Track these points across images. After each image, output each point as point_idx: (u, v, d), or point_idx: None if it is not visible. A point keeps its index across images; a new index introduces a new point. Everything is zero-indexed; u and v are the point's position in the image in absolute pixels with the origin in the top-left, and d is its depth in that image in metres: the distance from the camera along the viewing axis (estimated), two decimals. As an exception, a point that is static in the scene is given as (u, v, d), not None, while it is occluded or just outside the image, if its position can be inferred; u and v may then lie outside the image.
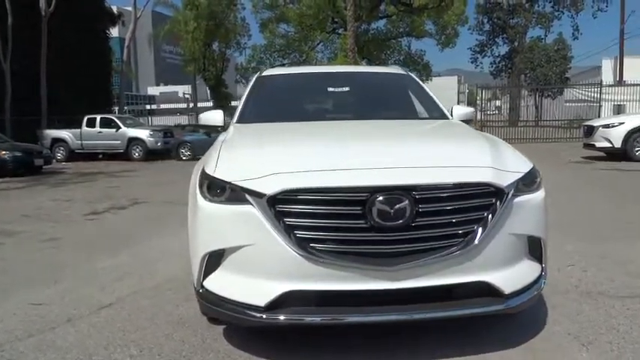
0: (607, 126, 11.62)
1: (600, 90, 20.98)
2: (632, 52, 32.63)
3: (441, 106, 3.71)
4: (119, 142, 18.32)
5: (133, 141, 18.20)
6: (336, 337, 2.62)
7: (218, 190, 2.31)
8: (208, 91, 51.39)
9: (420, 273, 2.17)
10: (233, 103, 32.17)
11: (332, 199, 2.11)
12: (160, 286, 3.63)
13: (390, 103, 3.88)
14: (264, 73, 4.03)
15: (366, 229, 2.11)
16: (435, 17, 29.54)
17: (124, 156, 18.02)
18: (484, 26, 29.93)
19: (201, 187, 2.39)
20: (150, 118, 34.02)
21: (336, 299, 2.19)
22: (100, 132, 18.48)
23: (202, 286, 2.39)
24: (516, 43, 28.50)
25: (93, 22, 24.22)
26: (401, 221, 2.09)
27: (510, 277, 2.29)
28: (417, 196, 2.10)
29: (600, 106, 21.50)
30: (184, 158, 17.50)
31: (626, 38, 30.65)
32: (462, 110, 3.70)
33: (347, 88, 3.91)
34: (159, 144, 18.28)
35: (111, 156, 18.41)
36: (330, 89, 3.89)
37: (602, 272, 3.61)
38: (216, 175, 2.31)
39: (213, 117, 3.70)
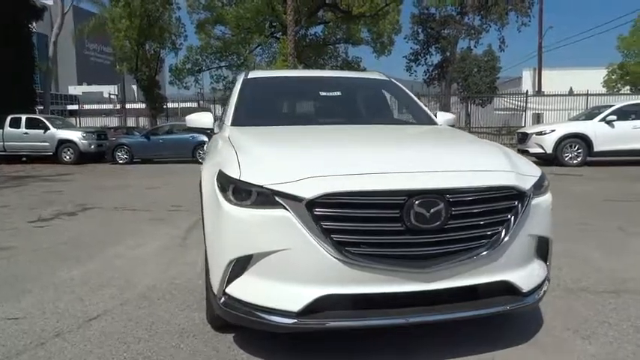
0: (540, 133, 12.47)
1: (526, 99, 22.46)
2: (549, 64, 35.28)
3: (428, 111, 3.82)
4: (47, 144, 17.18)
5: (64, 143, 17.10)
6: (347, 341, 2.63)
7: (243, 194, 2.24)
8: (136, 92, 49.00)
9: (451, 274, 2.23)
10: (170, 106, 31.16)
11: (371, 202, 2.13)
12: (146, 295, 3.45)
13: (382, 108, 3.95)
14: (250, 76, 3.95)
15: (402, 232, 2.14)
16: (370, 25, 30.23)
17: (52, 159, 16.92)
18: (419, 36, 31.16)
19: (224, 191, 2.31)
20: (79, 120, 32.02)
21: (371, 302, 2.20)
22: (25, 133, 17.22)
23: (225, 293, 2.31)
24: (448, 53, 29.93)
25: (15, 16, 22.52)
26: (437, 224, 2.14)
27: (527, 275, 2.41)
28: (450, 199, 2.16)
29: (524, 114, 23.04)
30: (121, 162, 16.72)
31: (544, 52, 32.97)
32: (447, 117, 3.83)
33: (338, 93, 3.93)
34: (92, 146, 17.32)
35: (36, 159, 17.23)
36: (323, 93, 3.89)
37: (574, 270, 3.87)
38: (244, 179, 2.24)
39: (202, 119, 3.58)
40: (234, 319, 2.33)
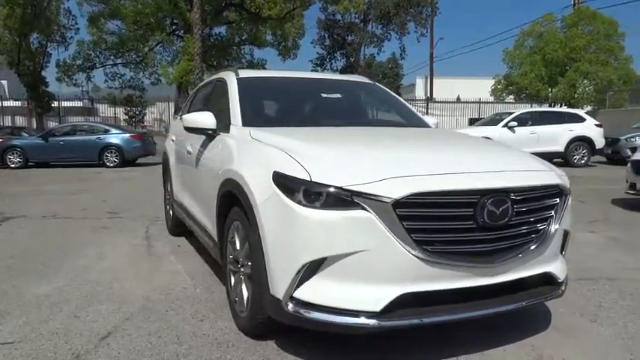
0: (453, 137, 13.39)
1: (427, 105, 23.98)
2: (441, 72, 38.09)
3: (419, 114, 3.99)
4: None
5: (-59, 146, 15.02)
6: (376, 341, 2.69)
7: (313, 195, 2.21)
8: (6, 88, 43.83)
9: (509, 268, 2.38)
10: (69, 104, 28.58)
11: (450, 201, 2.21)
12: (149, 308, 3.21)
13: (382, 110, 4.04)
14: (242, 75, 3.81)
15: (473, 229, 2.26)
16: (276, 28, 30.27)
17: None
18: (325, 41, 31.86)
19: (291, 193, 2.25)
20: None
21: (444, 298, 2.28)
22: None
23: (292, 298, 2.26)
24: (352, 59, 31.02)
25: None
26: (504, 220, 2.28)
27: (559, 266, 2.66)
28: (513, 197, 2.31)
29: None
30: (13, 166, 15.04)
31: (436, 61, 35.47)
32: (434, 120, 4.03)
33: (339, 95, 3.94)
34: (-25, 149, 15.39)
35: None
36: (324, 95, 3.88)
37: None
38: (317, 180, 2.20)
39: (204, 120, 3.39)
40: (304, 324, 2.29)
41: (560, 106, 23.17)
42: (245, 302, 2.71)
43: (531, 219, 2.43)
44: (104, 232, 5.60)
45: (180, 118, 4.00)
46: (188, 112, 4.87)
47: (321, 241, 2.19)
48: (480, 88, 31.22)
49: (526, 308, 2.99)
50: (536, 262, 2.48)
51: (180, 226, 4.96)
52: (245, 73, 3.90)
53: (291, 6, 27.47)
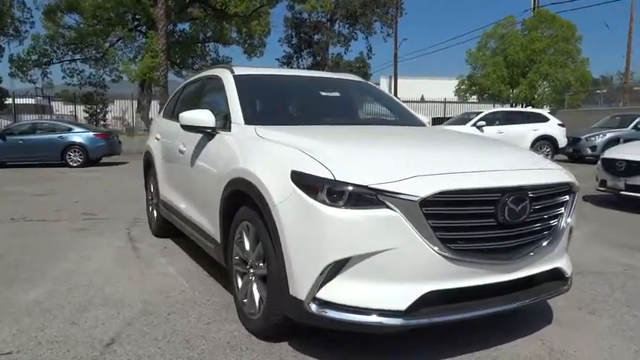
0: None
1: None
2: (407, 72, 38.66)
3: (413, 112, 4.02)
4: None
5: None
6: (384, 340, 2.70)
7: (336, 194, 2.19)
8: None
9: (524, 264, 2.43)
10: (20, 102, 27.30)
11: (473, 199, 2.23)
12: (150, 312, 3.11)
13: (380, 109, 4.04)
14: (238, 73, 3.73)
15: (494, 227, 2.29)
16: (242, 25, 29.91)
17: None
18: (292, 39, 31.75)
19: (314, 192, 2.22)
20: None
21: (467, 295, 2.29)
22: None
23: (315, 299, 2.23)
24: (319, 58, 31.06)
25: None
26: (522, 218, 2.33)
27: (566, 261, 2.74)
28: (531, 195, 2.36)
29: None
30: (-36, 166, 14.29)
31: (400, 61, 35.94)
32: (426, 119, 4.08)
33: (337, 93, 3.92)
34: None
35: None
36: (323, 93, 3.85)
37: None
38: (341, 179, 2.17)
39: (202, 117, 3.30)
40: (327, 324, 2.27)
41: (523, 106, 23.90)
42: (257, 304, 2.66)
43: (545, 216, 2.49)
44: (83, 234, 5.39)
45: (178, 117, 3.89)
46: (173, 110, 4.76)
47: (346, 241, 2.17)
48: (444, 88, 31.77)
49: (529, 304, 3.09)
50: (547, 259, 2.54)
51: (164, 227, 4.83)
52: (241, 71, 3.83)
53: (258, 4, 27.23)
